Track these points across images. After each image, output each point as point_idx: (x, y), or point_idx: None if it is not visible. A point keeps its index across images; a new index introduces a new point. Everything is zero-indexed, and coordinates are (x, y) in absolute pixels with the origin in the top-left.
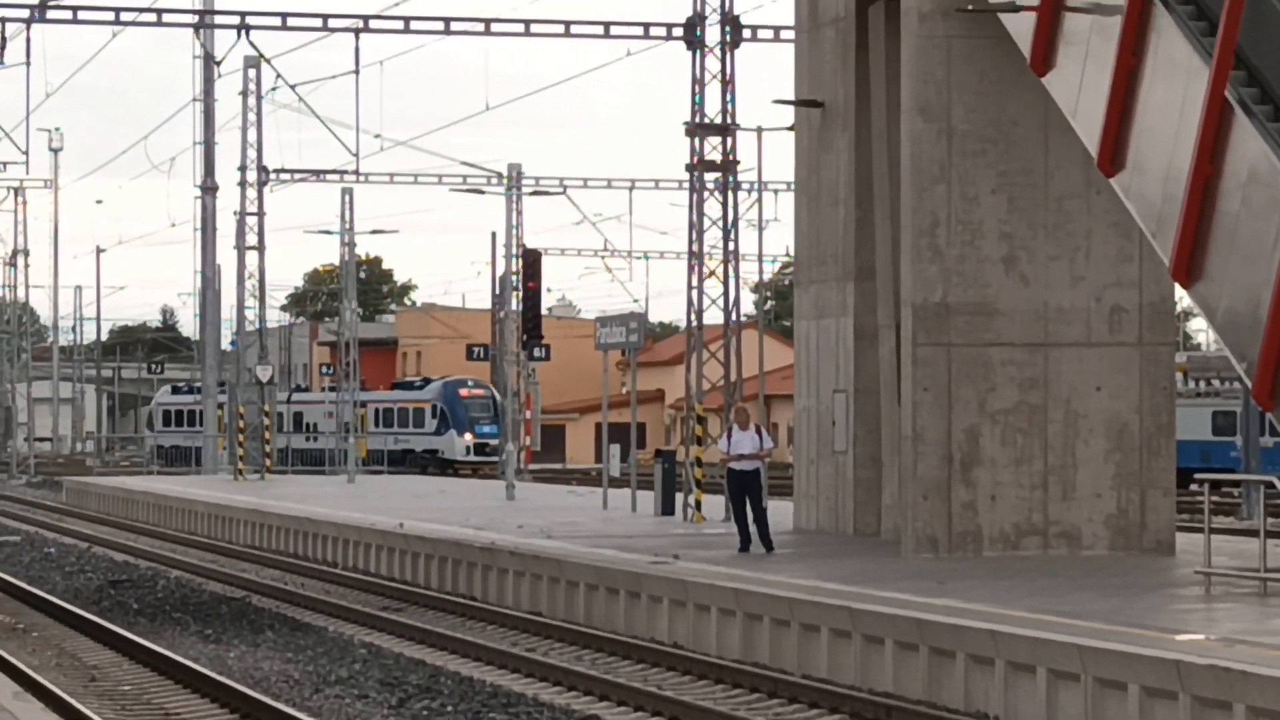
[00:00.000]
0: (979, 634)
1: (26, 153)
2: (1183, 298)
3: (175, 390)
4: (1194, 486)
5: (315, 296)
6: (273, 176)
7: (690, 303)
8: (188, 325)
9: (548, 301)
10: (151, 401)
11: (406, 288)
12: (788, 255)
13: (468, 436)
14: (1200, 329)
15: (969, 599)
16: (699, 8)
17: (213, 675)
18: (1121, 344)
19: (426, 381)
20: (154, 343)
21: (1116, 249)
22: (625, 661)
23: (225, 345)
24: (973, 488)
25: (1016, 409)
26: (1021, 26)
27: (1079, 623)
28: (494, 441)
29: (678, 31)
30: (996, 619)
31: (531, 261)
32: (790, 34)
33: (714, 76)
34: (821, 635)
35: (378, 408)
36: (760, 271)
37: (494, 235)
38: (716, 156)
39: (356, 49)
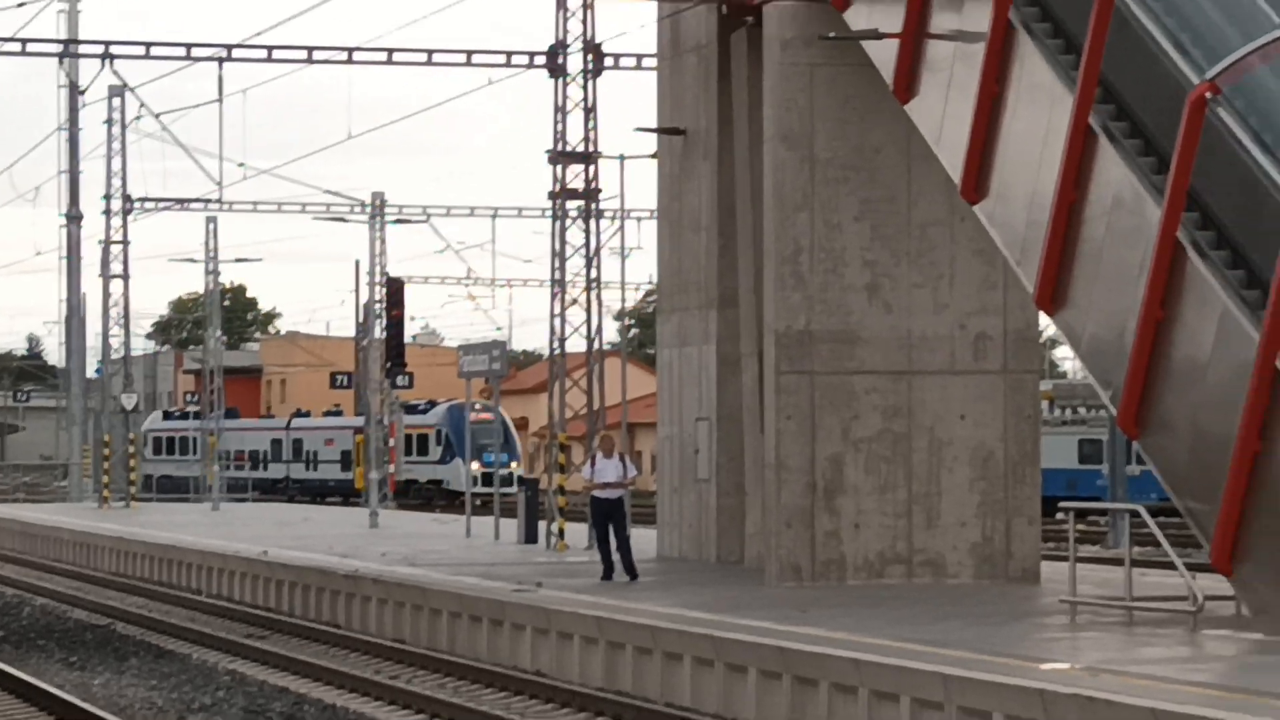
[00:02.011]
0: (842, 662)
1: None
2: (1048, 325)
3: (167, 416)
4: (1060, 515)
5: (180, 324)
6: (137, 205)
7: (553, 330)
8: (53, 353)
9: (411, 329)
10: (142, 427)
11: (270, 315)
12: (651, 283)
13: (475, 465)
14: (1065, 356)
15: (833, 627)
16: (561, 35)
17: (77, 703)
18: (986, 371)
19: (431, 404)
20: (20, 370)
21: (981, 276)
22: (488, 690)
23: (91, 373)
24: (836, 516)
25: (880, 437)
26: (884, 54)
27: (944, 651)
28: (505, 470)
29: (540, 60)
30: (860, 647)
31: (395, 290)
32: (652, 61)
33: (576, 104)
34: (685, 663)
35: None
36: (623, 299)
37: (357, 263)
38: (579, 184)
39: (220, 77)
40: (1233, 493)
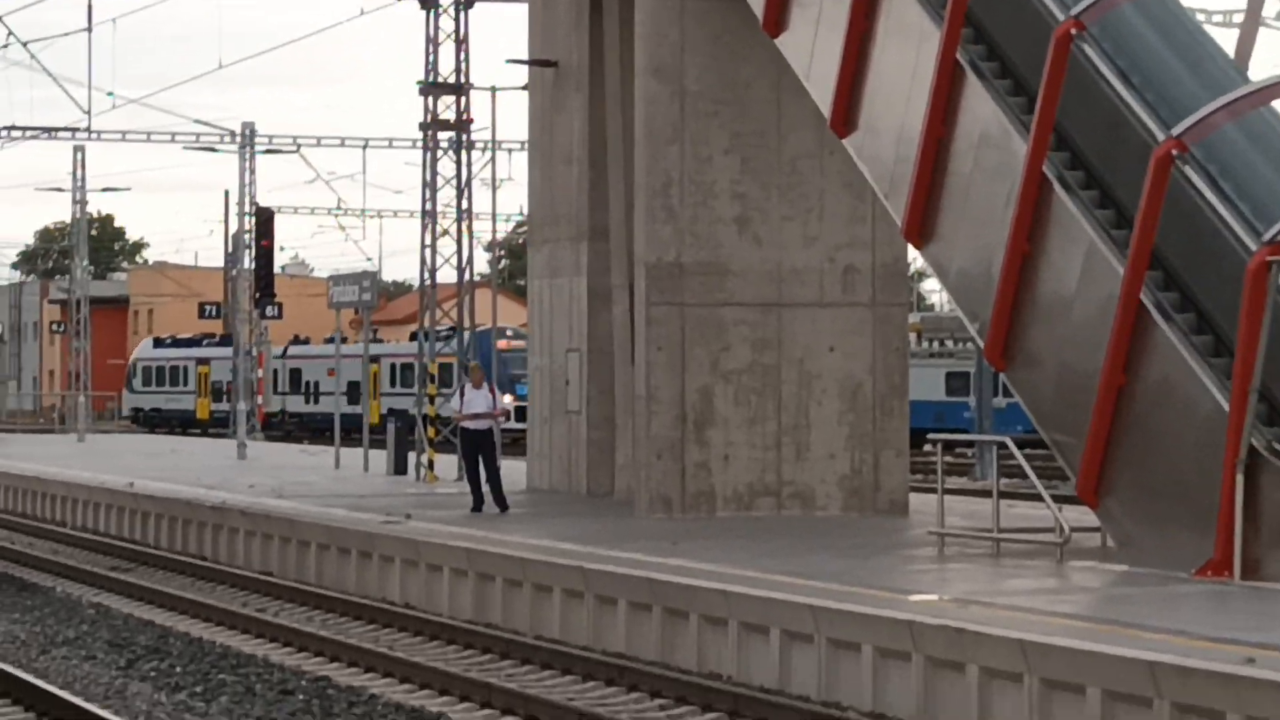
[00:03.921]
0: (711, 594)
1: None
2: (916, 258)
3: (158, 343)
4: (928, 447)
5: (46, 254)
6: (3, 133)
7: (423, 261)
8: None
9: (281, 260)
10: (131, 356)
11: (139, 245)
12: (522, 215)
13: (507, 398)
14: (933, 289)
15: (702, 559)
16: None
17: None
18: (855, 304)
19: (454, 331)
20: None
21: (850, 210)
22: (357, 622)
23: None
24: (706, 448)
25: (750, 369)
26: None
27: (812, 583)
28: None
29: None
30: (729, 579)
31: (264, 220)
32: None
33: (448, 36)
34: (554, 596)
35: (394, 363)
36: (494, 230)
37: (226, 193)
38: (450, 115)
39: (89, 5)
40: (1098, 426)
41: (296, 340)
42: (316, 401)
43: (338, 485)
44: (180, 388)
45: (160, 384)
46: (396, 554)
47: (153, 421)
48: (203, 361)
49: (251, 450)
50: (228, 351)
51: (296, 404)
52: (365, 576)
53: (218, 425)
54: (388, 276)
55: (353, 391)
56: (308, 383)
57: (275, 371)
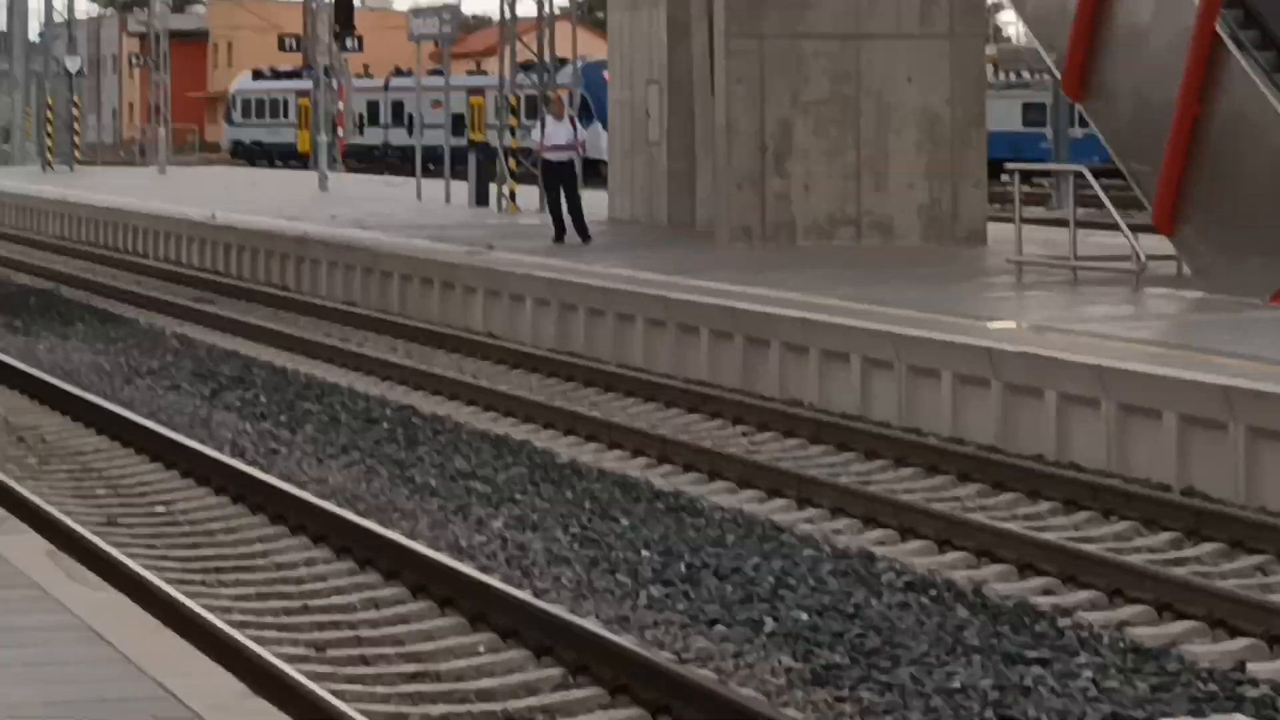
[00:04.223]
0: (792, 323)
1: None
2: None
3: (257, 76)
4: (1004, 177)
5: None
6: None
7: None
8: None
9: None
10: (231, 89)
11: None
12: None
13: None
14: (1010, 21)
15: (783, 288)
16: None
17: (19, 366)
18: (932, 35)
19: (562, 63)
20: None
21: None
22: (439, 350)
23: (33, 37)
24: (786, 179)
25: (829, 101)
26: None
27: (892, 311)
28: None
29: None
30: (810, 307)
31: None
32: None
33: None
34: (637, 325)
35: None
36: None
37: None
38: None
39: None
40: (1173, 155)
41: (399, 72)
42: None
43: (420, 217)
44: (281, 119)
45: (260, 116)
46: (479, 284)
47: (253, 155)
48: (304, 94)
49: (333, 183)
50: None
51: (400, 137)
52: (448, 307)
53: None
54: (467, 9)
55: (457, 124)
56: (409, 115)
57: (378, 104)
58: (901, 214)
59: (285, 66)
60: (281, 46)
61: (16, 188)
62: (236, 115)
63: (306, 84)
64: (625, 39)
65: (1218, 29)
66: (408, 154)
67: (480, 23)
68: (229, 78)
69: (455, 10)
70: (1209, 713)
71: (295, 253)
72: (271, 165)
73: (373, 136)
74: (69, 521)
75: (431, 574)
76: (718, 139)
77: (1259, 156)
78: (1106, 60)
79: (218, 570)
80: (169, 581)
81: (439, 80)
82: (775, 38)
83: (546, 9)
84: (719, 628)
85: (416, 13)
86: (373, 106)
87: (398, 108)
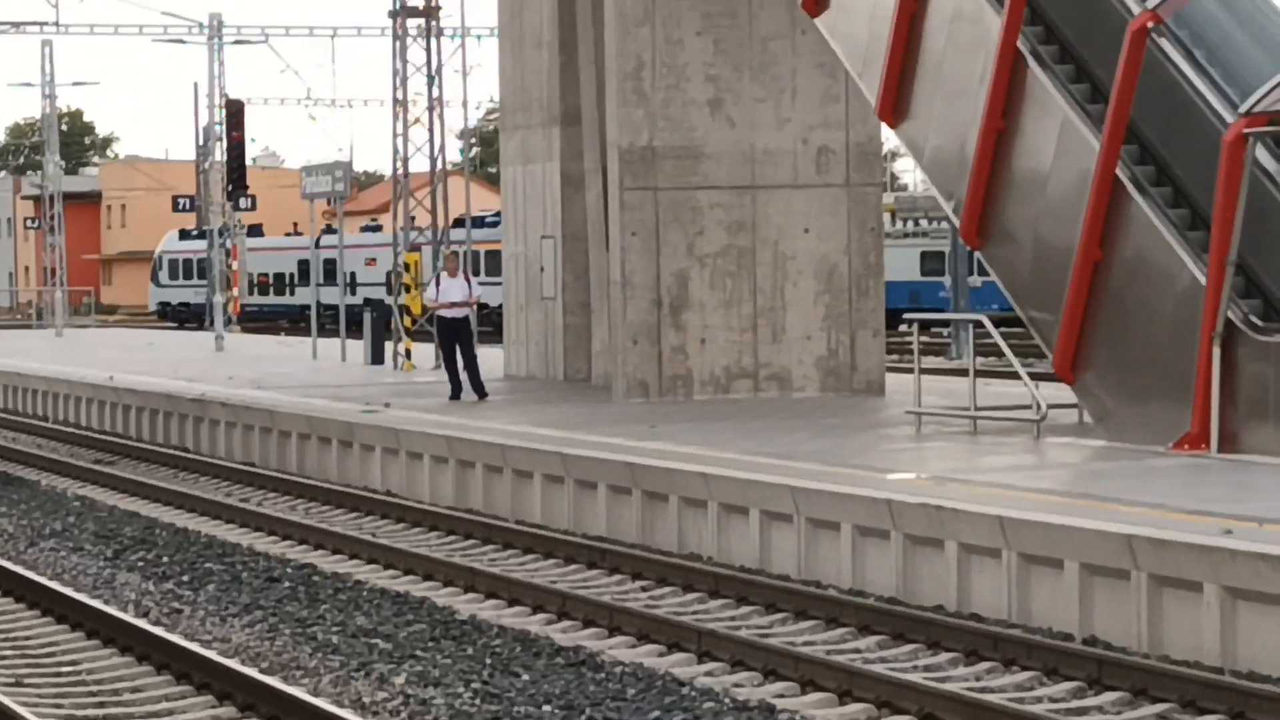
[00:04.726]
0: (691, 477)
1: None
2: (890, 138)
3: (183, 236)
4: (903, 327)
5: (18, 150)
6: None
7: (395, 150)
8: None
9: (253, 151)
10: (156, 250)
11: (109, 140)
12: (493, 101)
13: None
14: (907, 169)
15: (681, 442)
16: None
17: None
18: (829, 185)
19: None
20: None
21: (823, 90)
22: (339, 510)
23: None
24: (682, 331)
25: (725, 252)
26: None
27: (791, 464)
28: None
29: None
30: (709, 461)
31: (234, 111)
32: None
33: None
34: (535, 481)
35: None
36: (465, 118)
37: (196, 85)
38: (419, 3)
39: None
40: (1074, 301)
41: (329, 230)
42: (354, 293)
43: (316, 376)
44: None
45: (189, 277)
46: (377, 442)
47: (181, 316)
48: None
49: (229, 342)
50: (260, 241)
51: (331, 295)
52: (346, 465)
53: (249, 320)
54: (360, 166)
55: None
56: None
57: (308, 262)
58: (799, 365)
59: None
60: (175, 207)
61: None
62: (164, 276)
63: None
64: (519, 193)
65: (1119, 173)
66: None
67: (372, 179)
68: (123, 239)
69: (347, 167)
70: None
71: (194, 414)
72: (200, 327)
73: (305, 297)
74: None
75: None
76: (613, 292)
77: (1162, 302)
78: (1006, 206)
79: None
80: None
81: (374, 235)
82: (670, 189)
83: (439, 165)
84: None
85: (309, 170)
86: (303, 265)
87: (331, 267)
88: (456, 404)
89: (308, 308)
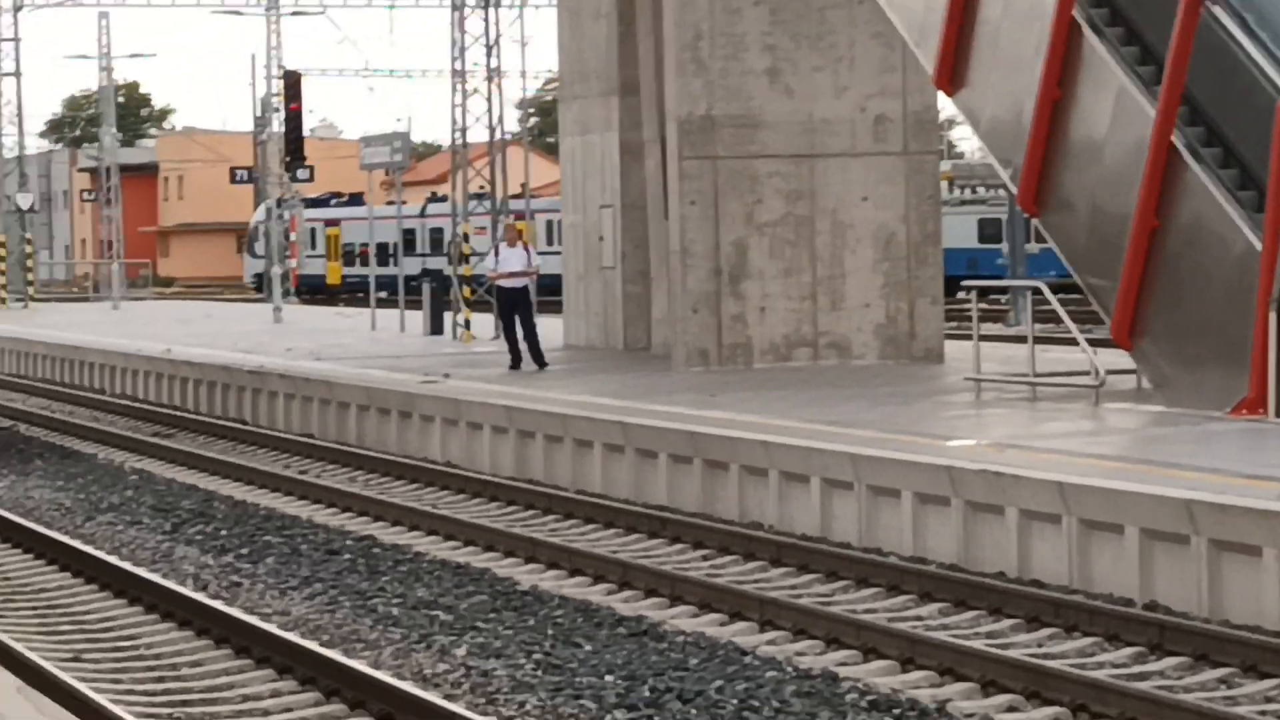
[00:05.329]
0: (752, 445)
1: None
2: (946, 106)
3: (281, 204)
4: (962, 294)
5: (74, 123)
6: (28, 2)
7: (454, 121)
8: None
9: (310, 123)
10: (251, 222)
11: (165, 112)
12: (551, 72)
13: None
14: (964, 137)
15: (741, 411)
16: None
17: None
18: (886, 153)
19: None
20: None
21: (880, 59)
22: (399, 482)
23: None
24: (742, 300)
25: (784, 221)
26: None
27: (851, 431)
28: None
29: None
30: (769, 430)
31: (292, 83)
32: None
33: None
34: (595, 451)
35: (549, 219)
36: (524, 88)
37: (253, 57)
38: None
39: None
40: (1131, 268)
41: (434, 198)
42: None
43: (375, 347)
44: (308, 252)
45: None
46: (437, 413)
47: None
48: (332, 223)
49: (287, 314)
50: (360, 211)
51: (440, 263)
52: (406, 436)
53: (350, 292)
54: (417, 137)
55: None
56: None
57: (414, 231)
58: (858, 333)
59: (311, 194)
60: (233, 179)
61: None
62: (259, 248)
63: (337, 212)
64: (577, 164)
65: (1174, 141)
66: (448, 283)
67: (430, 150)
68: (180, 211)
69: (405, 138)
70: None
71: (252, 385)
72: (300, 300)
73: (410, 267)
74: (36, 658)
75: (397, 703)
76: (672, 262)
77: (1217, 268)
78: (1063, 174)
79: (184, 704)
80: (137, 716)
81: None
82: (728, 158)
83: (498, 135)
84: None
85: (367, 141)
86: (408, 235)
87: (437, 235)
88: (516, 374)
89: (414, 278)
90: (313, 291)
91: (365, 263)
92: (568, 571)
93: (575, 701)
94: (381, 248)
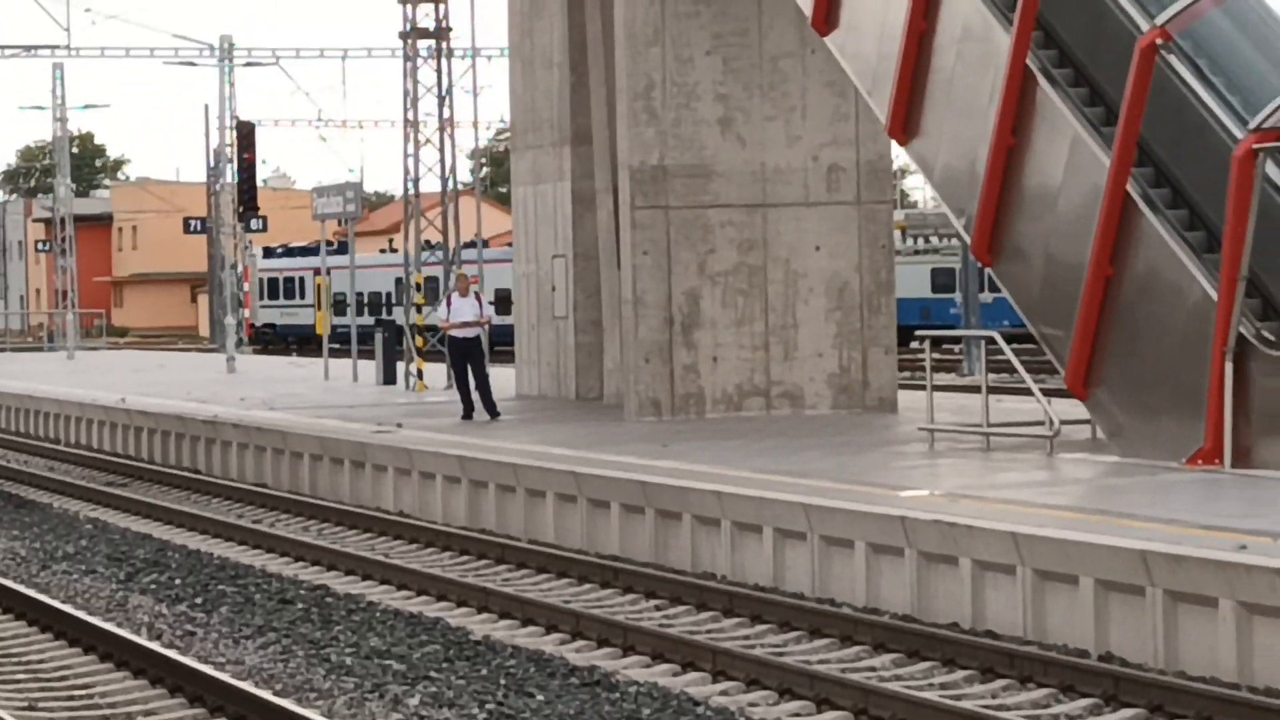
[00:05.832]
0: (704, 495)
1: None
2: (899, 155)
3: (268, 253)
4: (915, 344)
5: (29, 173)
6: None
7: (406, 171)
8: None
9: (263, 173)
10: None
11: (120, 162)
12: (503, 122)
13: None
14: (917, 186)
15: (694, 461)
16: None
17: None
18: (839, 203)
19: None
20: None
21: (832, 108)
22: (352, 531)
23: None
24: (694, 350)
25: (736, 270)
26: None
27: (804, 481)
28: None
29: None
30: (722, 480)
31: (245, 133)
32: None
33: None
34: (547, 500)
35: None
36: (476, 138)
37: (206, 108)
38: (430, 23)
39: None
40: (1086, 317)
41: (429, 246)
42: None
43: (328, 396)
44: (296, 300)
45: (274, 297)
46: (389, 463)
47: (265, 339)
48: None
49: (241, 364)
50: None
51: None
52: (359, 486)
53: (339, 342)
54: (370, 187)
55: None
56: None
57: (400, 281)
58: (811, 383)
59: (299, 242)
60: (187, 229)
61: None
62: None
63: (327, 260)
64: (529, 212)
65: (1129, 189)
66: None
67: (383, 200)
68: (134, 261)
69: (358, 188)
70: None
71: (206, 435)
72: (286, 351)
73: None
74: None
75: None
76: (625, 311)
77: (1172, 317)
78: (1017, 223)
79: None
80: None
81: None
82: (681, 208)
83: (450, 185)
84: None
85: (320, 191)
86: (400, 285)
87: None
88: (469, 424)
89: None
90: (300, 342)
91: (359, 312)
92: (520, 621)
93: None
94: (374, 296)
